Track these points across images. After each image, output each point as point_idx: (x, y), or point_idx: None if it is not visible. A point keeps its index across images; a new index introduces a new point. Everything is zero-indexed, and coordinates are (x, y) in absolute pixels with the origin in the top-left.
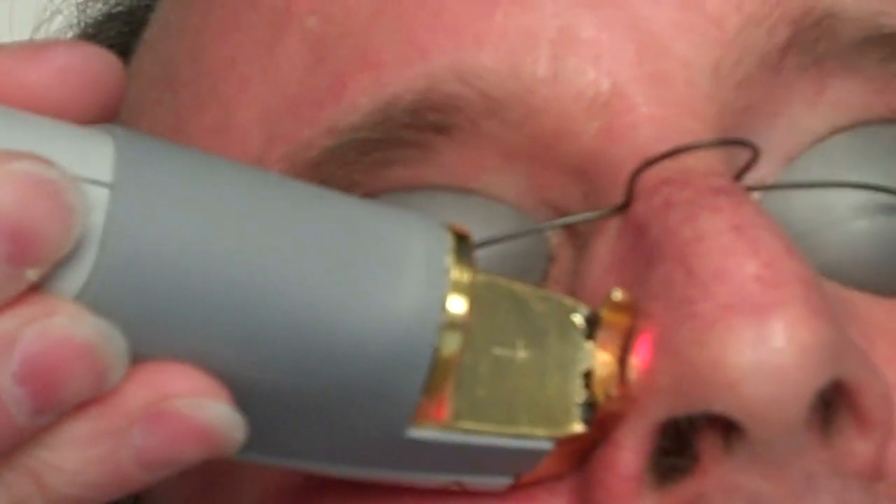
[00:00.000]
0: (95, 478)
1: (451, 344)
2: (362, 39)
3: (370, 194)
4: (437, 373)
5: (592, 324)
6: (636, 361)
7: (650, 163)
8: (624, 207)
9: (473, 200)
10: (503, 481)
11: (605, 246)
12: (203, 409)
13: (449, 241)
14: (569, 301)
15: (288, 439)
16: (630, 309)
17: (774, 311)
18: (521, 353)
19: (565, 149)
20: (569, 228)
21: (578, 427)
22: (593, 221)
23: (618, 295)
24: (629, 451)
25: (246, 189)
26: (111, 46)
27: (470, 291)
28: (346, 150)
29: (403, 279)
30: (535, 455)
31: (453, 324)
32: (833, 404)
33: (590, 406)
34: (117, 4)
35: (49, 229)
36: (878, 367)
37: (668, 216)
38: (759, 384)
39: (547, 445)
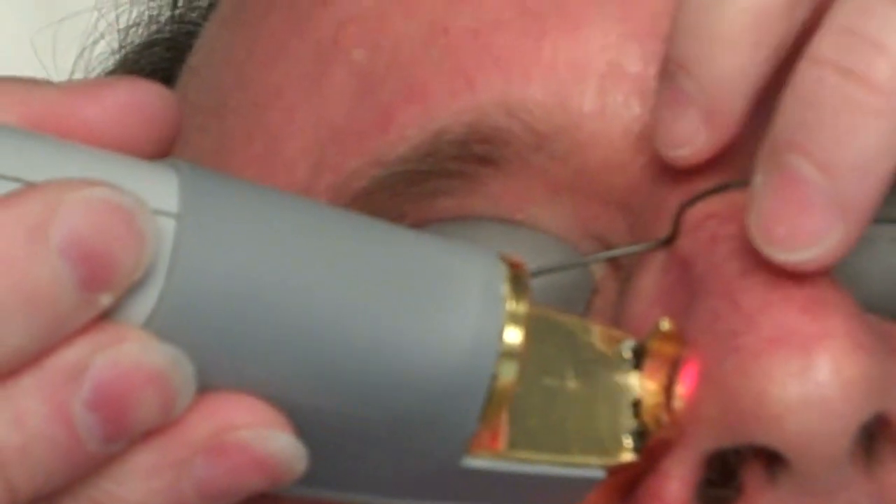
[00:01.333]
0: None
1: (508, 373)
2: (410, 71)
3: (417, 224)
4: (494, 401)
5: (639, 354)
6: (682, 390)
7: (697, 198)
8: (669, 241)
9: (519, 232)
10: None
11: (651, 279)
12: (266, 441)
13: (504, 272)
14: (616, 332)
15: (343, 471)
16: (677, 338)
17: (819, 344)
18: (571, 384)
19: (611, 182)
20: (613, 261)
21: (629, 455)
22: (638, 255)
23: (665, 325)
24: (677, 481)
25: (306, 221)
26: (153, 72)
27: (525, 322)
28: (394, 180)
29: (462, 309)
30: (587, 484)
31: (510, 353)
32: (876, 437)
33: (639, 435)
34: (159, 31)
35: (123, 255)
36: None
37: (713, 250)
38: (804, 417)
39: (599, 474)
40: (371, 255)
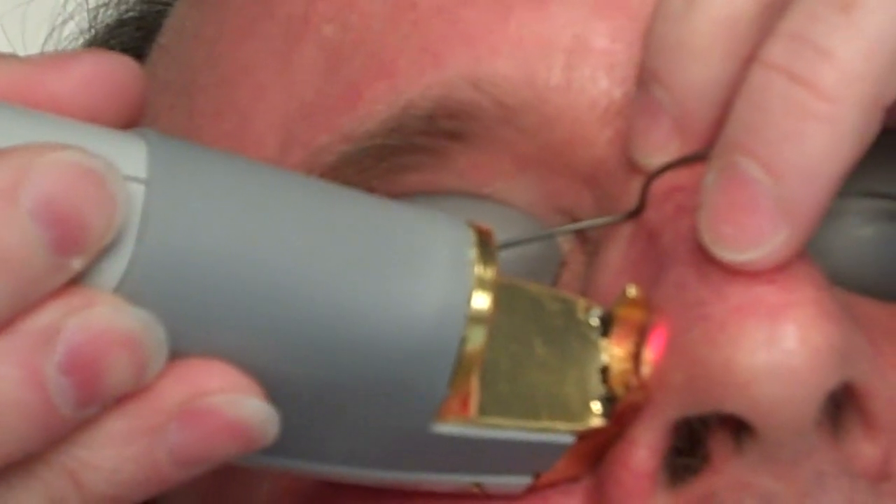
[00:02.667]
0: (132, 475)
1: (477, 338)
2: (378, 47)
3: None
4: (463, 367)
5: (606, 322)
6: (649, 356)
7: (663, 170)
8: (636, 213)
9: (487, 206)
10: (522, 481)
11: (617, 251)
12: (238, 406)
13: (472, 238)
14: (583, 301)
15: (312, 440)
16: (644, 305)
17: (786, 313)
18: (539, 351)
19: (578, 156)
20: (580, 234)
21: (598, 421)
22: (605, 227)
23: (632, 291)
24: (644, 449)
25: (274, 187)
26: (123, 51)
27: (493, 287)
28: (362, 156)
29: (429, 274)
30: (556, 450)
31: (478, 318)
32: (842, 406)
33: (608, 401)
34: (129, 10)
35: (94, 218)
36: (886, 373)
37: (680, 221)
38: (771, 385)
39: (568, 439)
40: (339, 221)
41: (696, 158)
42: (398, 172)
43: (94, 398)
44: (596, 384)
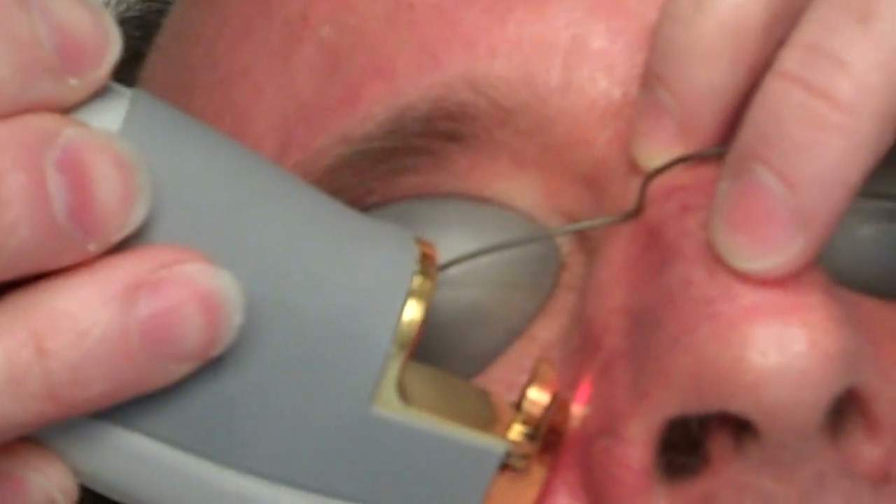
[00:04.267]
0: (99, 344)
1: (413, 316)
2: (376, 49)
3: (384, 201)
4: (399, 352)
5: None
6: (655, 339)
7: (661, 169)
8: (636, 213)
9: (486, 208)
10: None
11: (617, 250)
12: (209, 276)
13: (415, 251)
14: (510, 412)
15: (249, 439)
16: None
17: (797, 316)
18: (463, 393)
19: (577, 157)
20: (580, 235)
21: (524, 440)
22: (605, 228)
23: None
24: (637, 447)
25: (238, 162)
26: (122, 51)
27: (427, 301)
28: (360, 158)
29: (373, 264)
30: (490, 461)
31: (415, 300)
32: (844, 408)
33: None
34: (128, 10)
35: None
36: (888, 373)
37: (685, 219)
38: (780, 387)
39: (501, 449)
40: (294, 203)
41: (695, 157)
42: (397, 174)
43: (83, 206)
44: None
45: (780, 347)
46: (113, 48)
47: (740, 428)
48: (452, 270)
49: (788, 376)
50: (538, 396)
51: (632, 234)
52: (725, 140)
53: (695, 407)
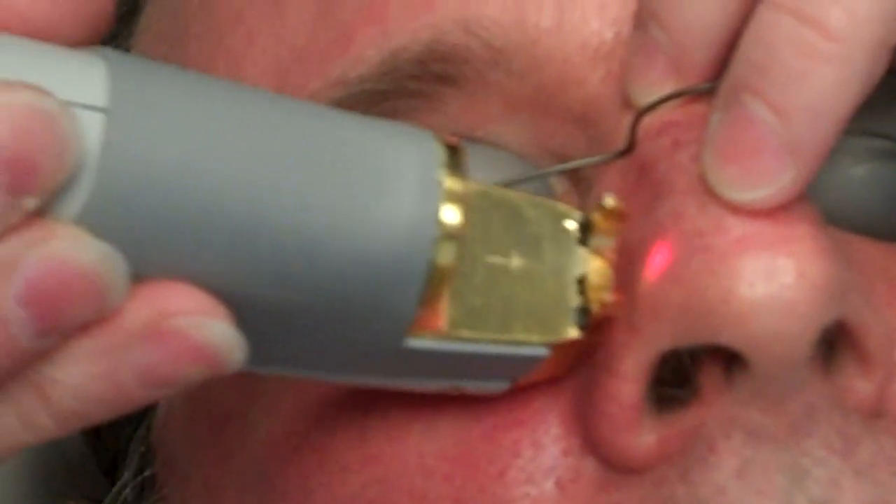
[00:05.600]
0: (97, 393)
1: (447, 254)
2: None
3: None
4: (433, 283)
5: (585, 230)
6: (649, 274)
7: (653, 105)
8: (628, 151)
9: (478, 149)
10: (500, 385)
11: (608, 187)
12: (204, 329)
13: (441, 152)
14: (562, 207)
15: (288, 352)
16: (621, 215)
17: (786, 247)
18: (516, 261)
19: (569, 97)
20: (573, 175)
21: (573, 332)
22: (597, 167)
23: (609, 201)
24: (630, 381)
25: (239, 107)
26: (119, 4)
27: (464, 201)
28: (354, 101)
29: (397, 191)
30: (531, 361)
31: (448, 234)
32: (835, 342)
33: (584, 312)
34: None
35: (45, 160)
36: (880, 309)
37: (677, 154)
38: (768, 318)
39: (542, 352)
40: (305, 139)
41: (686, 93)
42: (390, 117)
43: (52, 329)
44: (572, 295)
45: (767, 278)
46: (73, 151)
47: (731, 361)
48: None
49: (776, 307)
50: (600, 284)
51: (624, 171)
52: (718, 76)
53: (686, 340)
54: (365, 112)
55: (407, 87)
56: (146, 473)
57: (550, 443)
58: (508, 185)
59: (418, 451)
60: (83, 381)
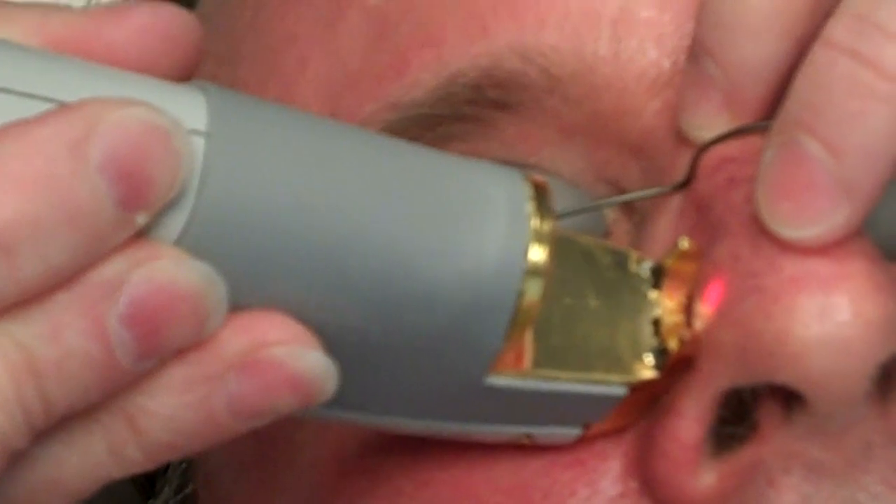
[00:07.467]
0: (189, 424)
1: (533, 291)
2: (425, 16)
3: None
4: (519, 319)
5: (658, 274)
6: (704, 309)
7: (714, 141)
8: (685, 185)
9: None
10: (572, 432)
11: (666, 222)
12: (299, 359)
13: (528, 190)
14: (634, 253)
15: (368, 392)
16: (696, 257)
17: (840, 285)
18: (592, 302)
19: (625, 126)
20: (626, 205)
21: (650, 373)
22: (652, 199)
23: (684, 243)
24: (691, 420)
25: (333, 139)
26: None
27: (550, 240)
28: (408, 125)
29: (488, 227)
30: (609, 401)
31: (535, 271)
32: (892, 376)
33: (660, 353)
34: None
35: (159, 174)
36: None
37: (732, 193)
38: (824, 357)
39: (621, 391)
40: (399, 174)
41: (748, 130)
42: (445, 142)
43: (154, 351)
44: (648, 336)
45: (822, 317)
46: (185, 166)
47: (790, 397)
48: None
49: (831, 346)
50: (675, 324)
51: (681, 207)
52: (772, 112)
53: (745, 380)
54: (419, 136)
55: (462, 113)
56: (187, 491)
57: (609, 485)
58: (564, 215)
59: (472, 480)
60: (175, 412)
